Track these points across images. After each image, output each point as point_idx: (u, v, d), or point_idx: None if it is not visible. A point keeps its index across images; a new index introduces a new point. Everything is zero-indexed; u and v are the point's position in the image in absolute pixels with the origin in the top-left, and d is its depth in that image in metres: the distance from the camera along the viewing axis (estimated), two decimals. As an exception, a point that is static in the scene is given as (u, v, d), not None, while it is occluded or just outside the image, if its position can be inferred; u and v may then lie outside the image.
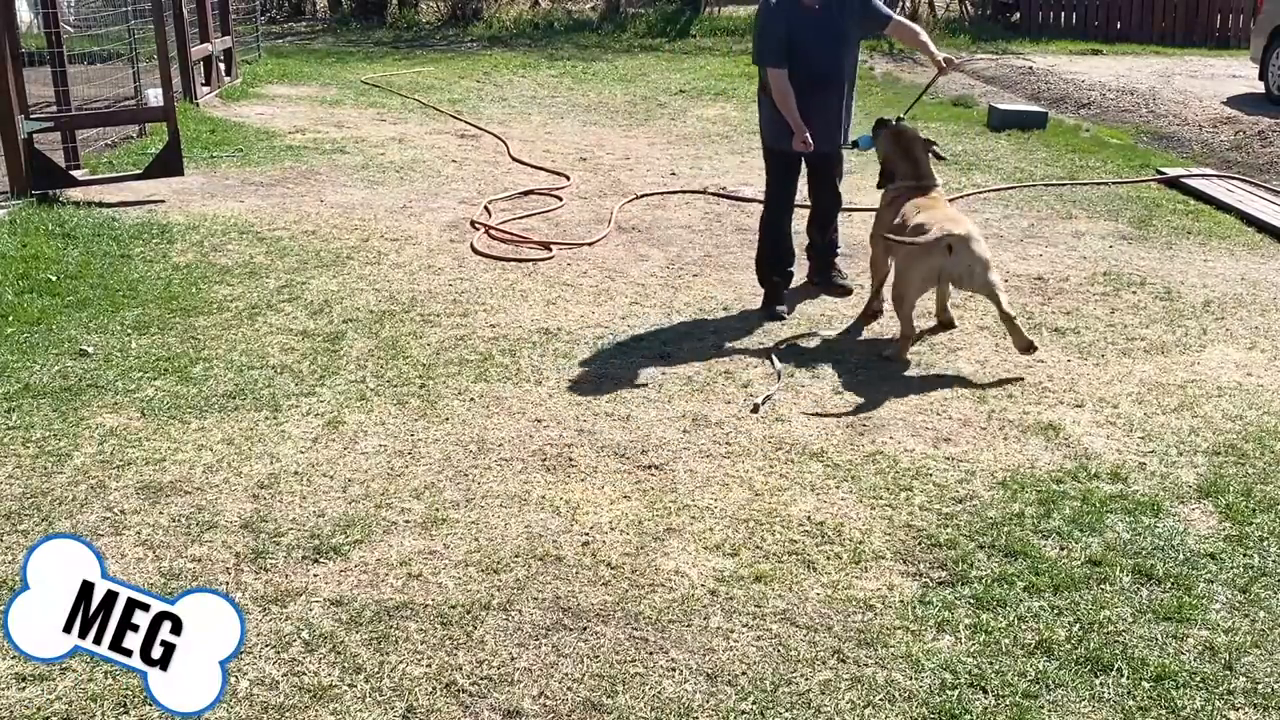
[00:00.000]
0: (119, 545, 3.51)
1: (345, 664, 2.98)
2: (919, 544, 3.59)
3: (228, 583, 3.33)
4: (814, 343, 5.34)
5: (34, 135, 7.43)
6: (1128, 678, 2.97)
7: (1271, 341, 5.42)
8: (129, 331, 5.26)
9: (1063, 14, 18.87)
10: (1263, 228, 7.41)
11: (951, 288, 5.35)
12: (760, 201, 8.01)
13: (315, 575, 3.38)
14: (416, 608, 3.22)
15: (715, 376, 4.91)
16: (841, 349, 5.23)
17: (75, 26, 13.33)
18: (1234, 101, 12.02)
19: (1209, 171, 9.01)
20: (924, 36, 5.69)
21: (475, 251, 6.63)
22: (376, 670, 2.95)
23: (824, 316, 5.67)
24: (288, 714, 2.79)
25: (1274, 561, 3.53)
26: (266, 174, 8.57)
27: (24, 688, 2.86)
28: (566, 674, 2.95)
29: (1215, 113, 11.42)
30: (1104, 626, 3.18)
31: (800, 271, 6.14)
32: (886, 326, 5.45)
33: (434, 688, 2.89)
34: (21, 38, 7.63)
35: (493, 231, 7.01)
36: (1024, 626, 3.17)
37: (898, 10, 19.24)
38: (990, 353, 5.22)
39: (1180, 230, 7.40)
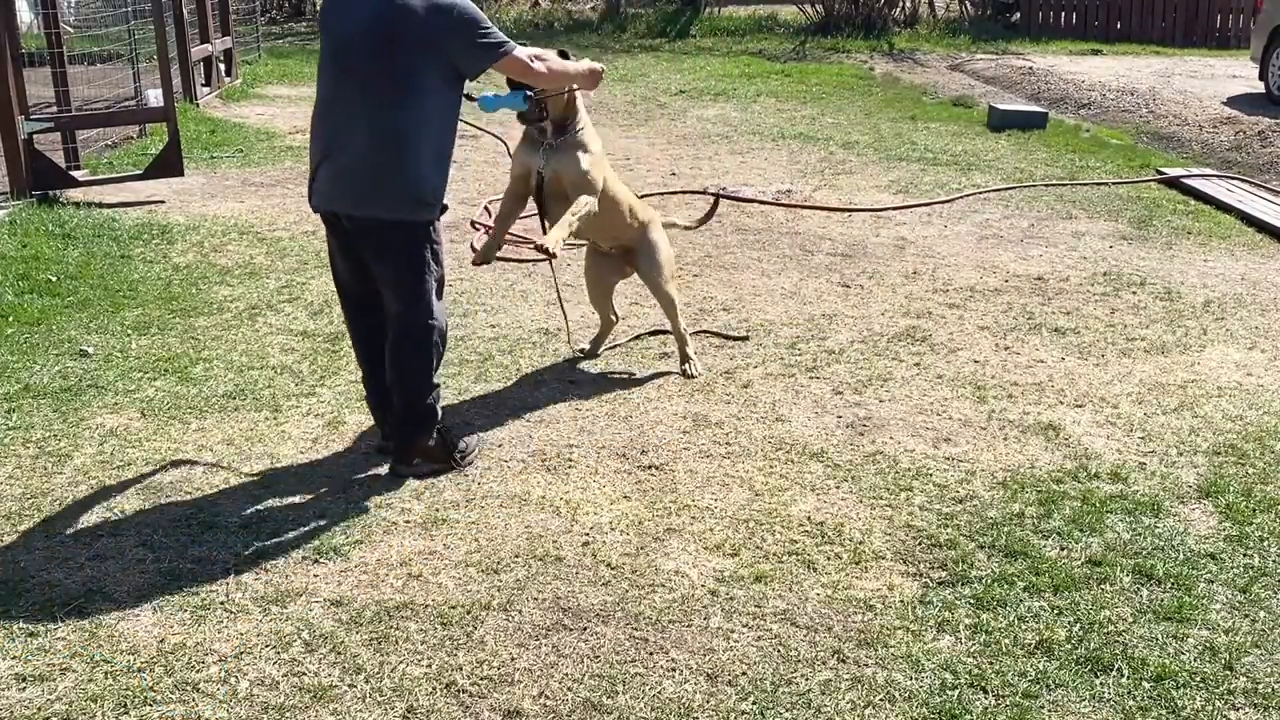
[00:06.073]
0: (119, 545, 3.51)
1: (345, 664, 2.97)
2: (919, 544, 3.59)
3: (228, 583, 3.33)
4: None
5: (34, 136, 7.43)
6: (1128, 678, 2.96)
7: (1271, 341, 5.42)
8: (129, 332, 5.26)
9: (1063, 14, 18.88)
10: (1263, 228, 7.41)
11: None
12: (760, 202, 8.05)
13: (315, 575, 3.38)
14: (416, 608, 3.22)
15: (715, 377, 4.91)
16: (840, 350, 5.23)
17: (75, 27, 13.33)
18: (1234, 101, 12.03)
19: (1209, 171, 9.01)
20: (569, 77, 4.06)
21: (475, 252, 6.62)
22: (376, 670, 2.95)
23: (821, 319, 5.67)
24: (288, 714, 2.79)
25: (1274, 561, 3.53)
26: (267, 174, 8.57)
27: (24, 688, 2.86)
28: (566, 674, 2.95)
29: (1215, 113, 11.42)
30: (1104, 626, 3.18)
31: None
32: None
33: (434, 688, 2.89)
34: (22, 38, 7.62)
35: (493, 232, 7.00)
36: (1024, 626, 3.17)
37: (898, 10, 19.25)
38: (990, 353, 5.22)
39: (1180, 230, 7.40)
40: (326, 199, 3.82)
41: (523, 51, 3.86)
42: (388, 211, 3.74)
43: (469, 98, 3.97)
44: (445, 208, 3.88)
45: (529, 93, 4.08)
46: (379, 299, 3.93)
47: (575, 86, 4.29)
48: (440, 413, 4.04)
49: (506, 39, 3.82)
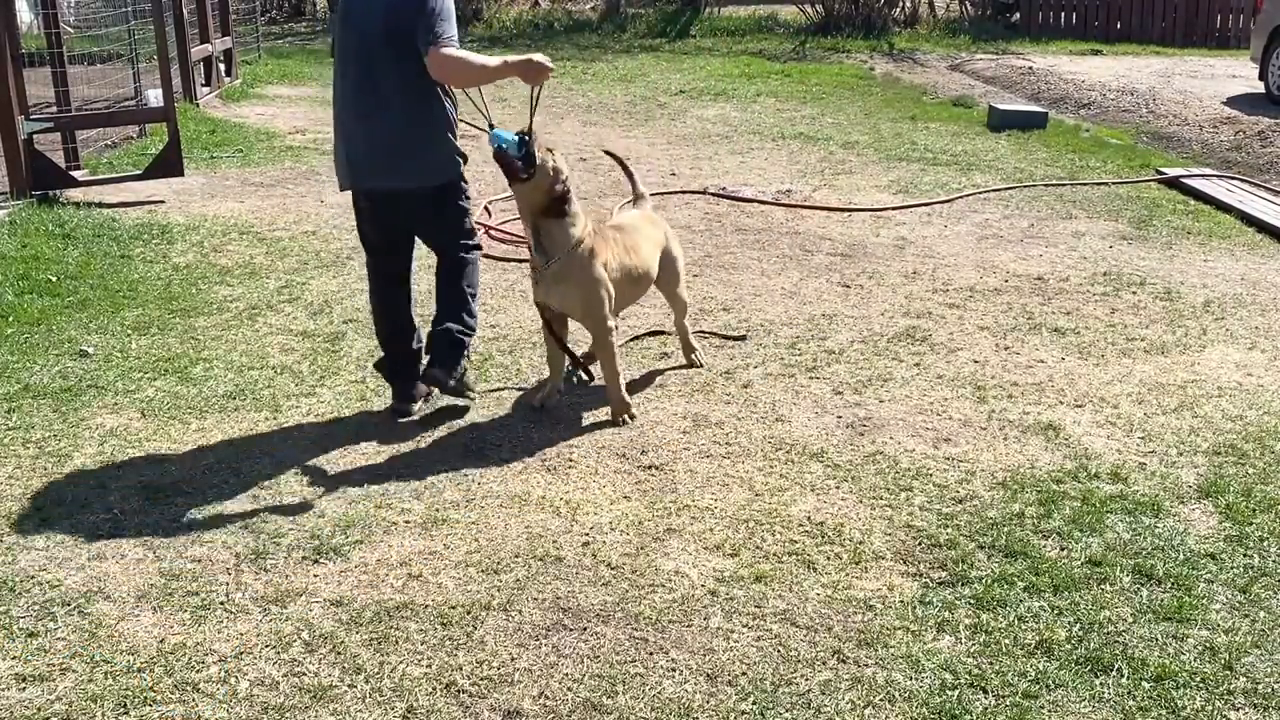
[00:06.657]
0: (119, 545, 3.51)
1: (345, 664, 2.98)
2: (919, 544, 3.59)
3: (228, 583, 3.33)
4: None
5: (34, 136, 7.43)
6: (1128, 678, 2.96)
7: (1271, 341, 5.42)
8: (129, 332, 5.26)
9: (1063, 14, 18.87)
10: (1263, 228, 7.41)
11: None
12: (760, 201, 8.05)
13: (315, 575, 3.38)
14: (416, 608, 3.22)
15: (715, 377, 4.91)
16: (840, 350, 5.23)
17: (75, 27, 13.33)
18: (1234, 101, 12.02)
19: (1209, 171, 9.01)
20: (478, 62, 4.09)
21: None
22: (376, 670, 2.95)
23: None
24: (288, 714, 2.79)
25: (1274, 561, 3.53)
26: (266, 174, 8.57)
27: (24, 688, 2.86)
28: (566, 674, 2.95)
29: (1215, 113, 11.42)
30: (1104, 626, 3.18)
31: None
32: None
33: (434, 688, 2.89)
34: (22, 38, 7.62)
35: (493, 231, 7.01)
36: (1024, 626, 3.17)
37: (898, 10, 19.26)
38: (990, 353, 5.22)
39: (1180, 230, 7.40)
40: (367, 176, 4.21)
41: (452, 51, 3.99)
42: (432, 178, 4.22)
43: (484, 130, 4.18)
44: (466, 157, 4.30)
45: (525, 135, 4.06)
46: (408, 265, 4.48)
47: (536, 92, 4.16)
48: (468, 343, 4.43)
49: (453, 40, 4.01)
